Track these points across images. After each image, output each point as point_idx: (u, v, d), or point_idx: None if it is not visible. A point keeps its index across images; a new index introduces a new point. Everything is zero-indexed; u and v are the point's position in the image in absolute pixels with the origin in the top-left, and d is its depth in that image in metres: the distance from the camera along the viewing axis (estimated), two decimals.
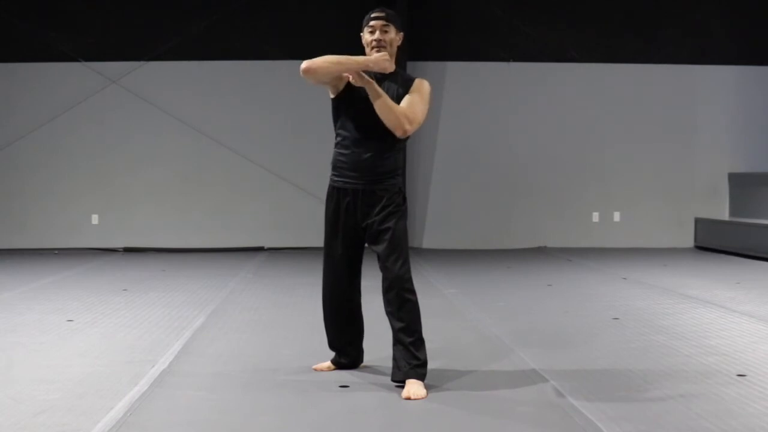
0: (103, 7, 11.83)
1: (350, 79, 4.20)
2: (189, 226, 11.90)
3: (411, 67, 11.35)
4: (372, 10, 4.36)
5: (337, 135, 4.35)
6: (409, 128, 4.17)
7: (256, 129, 11.96)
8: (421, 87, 4.31)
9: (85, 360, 4.78)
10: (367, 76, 4.19)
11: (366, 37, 4.31)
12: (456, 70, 12.15)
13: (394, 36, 4.30)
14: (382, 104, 4.15)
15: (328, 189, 4.39)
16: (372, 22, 4.29)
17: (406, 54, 10.64)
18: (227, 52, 11.89)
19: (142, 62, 11.80)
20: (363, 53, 4.32)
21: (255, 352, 5.05)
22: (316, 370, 4.52)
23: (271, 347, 5.17)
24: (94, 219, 11.88)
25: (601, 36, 12.24)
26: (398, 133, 4.18)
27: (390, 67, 4.26)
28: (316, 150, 11.34)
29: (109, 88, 11.78)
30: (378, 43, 4.26)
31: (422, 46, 11.84)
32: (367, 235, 4.30)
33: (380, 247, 4.20)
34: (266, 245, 11.95)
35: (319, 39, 11.64)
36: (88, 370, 4.52)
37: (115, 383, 4.22)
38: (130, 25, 11.81)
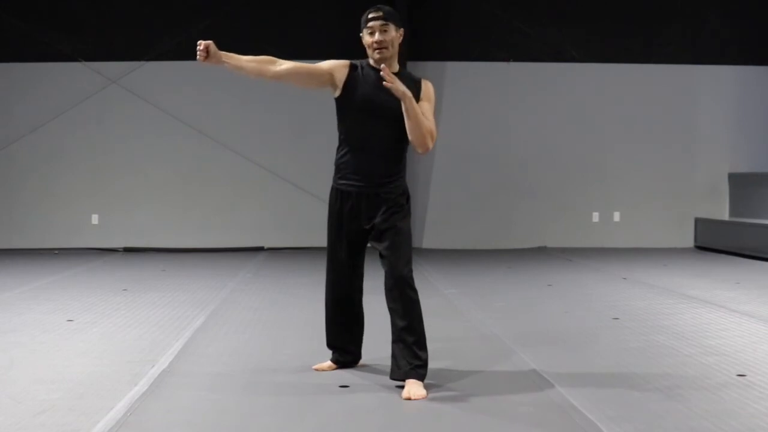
0: (103, 7, 11.82)
1: (385, 84, 4.05)
2: (189, 226, 11.89)
3: (411, 67, 11.29)
4: (369, 9, 4.25)
5: (341, 137, 4.31)
6: (431, 146, 4.15)
7: (257, 129, 11.96)
8: (431, 94, 4.28)
9: (85, 360, 4.78)
10: (403, 87, 4.07)
11: (366, 38, 4.23)
12: (456, 70, 12.15)
13: (395, 34, 4.21)
14: (415, 121, 4.08)
15: (331, 191, 4.35)
16: (370, 23, 4.20)
17: (405, 54, 10.63)
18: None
19: (142, 62, 11.80)
20: (363, 54, 4.30)
21: (255, 352, 5.04)
22: (316, 370, 4.51)
23: (271, 347, 5.17)
24: (94, 219, 11.88)
25: (601, 36, 12.23)
26: (420, 151, 4.16)
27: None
28: (316, 150, 11.35)
29: (109, 88, 11.78)
30: (379, 44, 4.18)
31: (422, 46, 11.84)
32: (370, 235, 4.28)
33: (384, 245, 4.17)
34: (266, 245, 11.94)
35: (319, 39, 11.66)
36: (88, 370, 4.52)
37: (115, 383, 4.22)
38: (130, 25, 11.80)
